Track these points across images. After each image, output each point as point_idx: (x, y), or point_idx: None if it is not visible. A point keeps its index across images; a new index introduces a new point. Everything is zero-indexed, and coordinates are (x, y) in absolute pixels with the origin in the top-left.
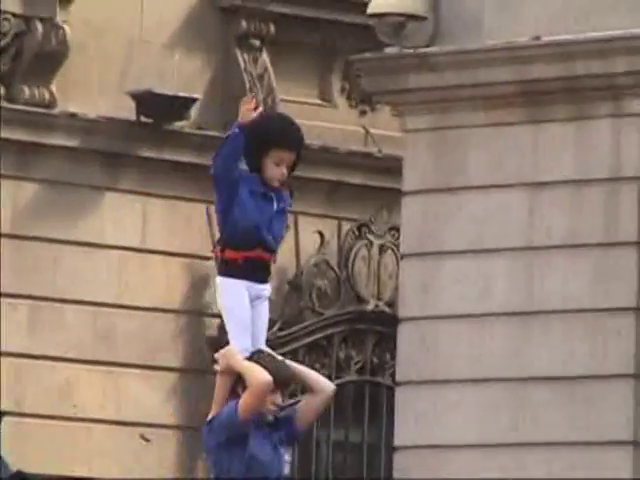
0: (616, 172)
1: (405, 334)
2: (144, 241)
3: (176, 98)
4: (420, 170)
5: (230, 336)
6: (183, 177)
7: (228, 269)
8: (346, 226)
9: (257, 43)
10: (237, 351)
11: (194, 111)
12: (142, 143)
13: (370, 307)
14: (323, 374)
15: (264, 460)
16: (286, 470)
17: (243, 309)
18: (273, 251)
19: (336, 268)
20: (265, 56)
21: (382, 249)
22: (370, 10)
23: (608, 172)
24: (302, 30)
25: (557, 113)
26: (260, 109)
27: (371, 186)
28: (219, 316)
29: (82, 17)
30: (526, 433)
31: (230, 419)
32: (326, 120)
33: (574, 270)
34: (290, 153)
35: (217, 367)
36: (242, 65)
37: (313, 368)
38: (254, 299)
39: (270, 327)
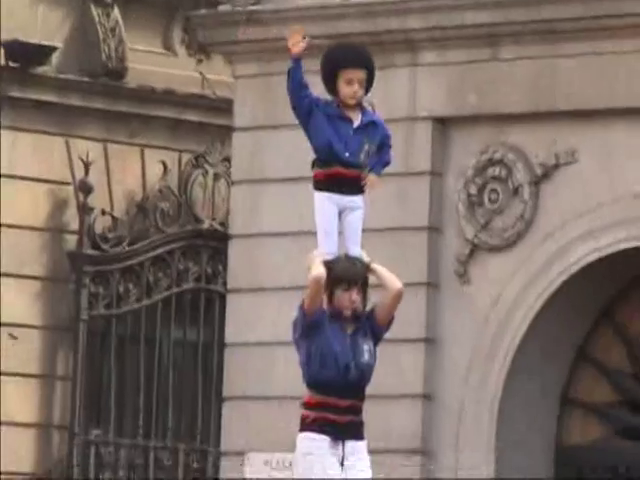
0: (412, 113)
1: (235, 249)
2: (13, 169)
3: (40, 46)
4: (248, 110)
5: (318, 241)
6: (46, 114)
7: (316, 185)
8: (186, 157)
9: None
10: (318, 254)
11: (55, 58)
12: (11, 85)
13: (205, 226)
14: (165, 283)
15: (336, 349)
16: (366, 358)
17: (324, 217)
18: (354, 166)
19: (177, 193)
20: (116, 11)
21: (216, 177)
22: None
23: (406, 113)
24: None
25: None
26: (306, 39)
27: (207, 123)
28: (77, 232)
29: None
30: None
31: (299, 313)
32: (169, 67)
33: (378, 196)
34: (359, 71)
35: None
36: (96, 19)
37: (157, 278)
38: (342, 210)
39: (120, 242)
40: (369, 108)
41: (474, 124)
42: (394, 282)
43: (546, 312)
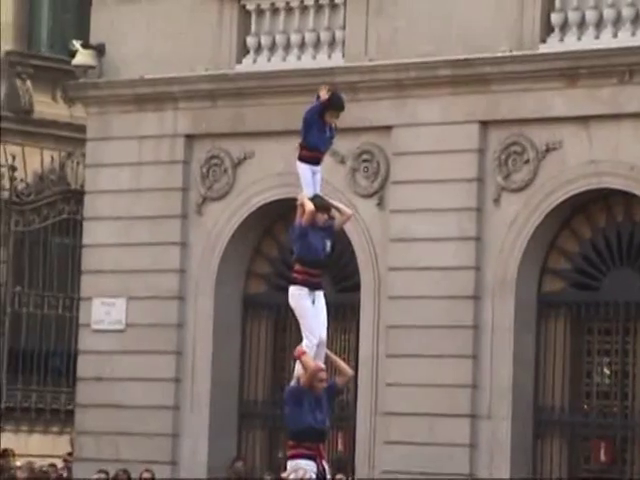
0: None
1: (88, 198)
2: None
3: None
4: (93, 130)
5: (303, 187)
6: None
7: (302, 159)
8: (63, 153)
9: None
10: (305, 195)
11: None
12: None
13: (73, 187)
14: (53, 214)
15: (317, 244)
16: (328, 249)
17: (306, 176)
18: (323, 152)
19: (59, 171)
20: (28, 81)
21: (78, 163)
22: (73, 63)
23: None
24: None
25: None
26: (329, 94)
27: (72, 137)
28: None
29: None
30: None
31: (299, 224)
32: (54, 108)
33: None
34: (340, 112)
35: (299, 200)
36: (19, 84)
37: (49, 212)
38: (313, 173)
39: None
40: (333, 125)
41: None
42: (346, 210)
43: (240, 231)
